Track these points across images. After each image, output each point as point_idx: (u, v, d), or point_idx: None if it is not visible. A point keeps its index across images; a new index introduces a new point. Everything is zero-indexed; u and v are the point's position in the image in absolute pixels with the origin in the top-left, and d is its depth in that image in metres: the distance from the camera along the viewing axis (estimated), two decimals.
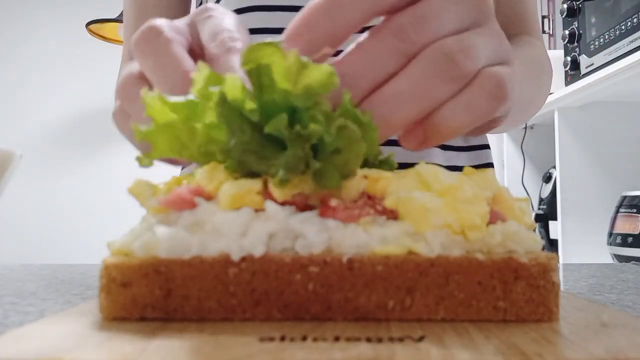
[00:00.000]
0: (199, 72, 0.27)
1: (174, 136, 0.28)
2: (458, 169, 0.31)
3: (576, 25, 1.72)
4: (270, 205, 0.25)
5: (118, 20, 2.46)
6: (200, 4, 0.69)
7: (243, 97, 0.26)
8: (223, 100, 0.25)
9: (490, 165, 0.69)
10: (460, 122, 0.27)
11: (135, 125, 0.28)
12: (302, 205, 0.26)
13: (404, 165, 0.29)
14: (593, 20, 1.64)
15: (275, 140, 0.26)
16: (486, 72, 0.28)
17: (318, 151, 0.25)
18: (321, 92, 0.25)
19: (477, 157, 0.68)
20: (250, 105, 0.26)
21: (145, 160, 0.28)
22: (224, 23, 0.33)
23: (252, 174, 0.26)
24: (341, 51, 0.28)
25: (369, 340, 0.21)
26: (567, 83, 1.80)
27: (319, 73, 0.25)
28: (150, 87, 0.32)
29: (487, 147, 0.69)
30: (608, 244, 1.53)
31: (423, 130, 0.28)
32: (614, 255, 1.51)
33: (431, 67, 0.27)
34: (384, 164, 0.30)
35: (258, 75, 0.25)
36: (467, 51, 0.27)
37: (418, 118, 0.27)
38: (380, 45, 0.27)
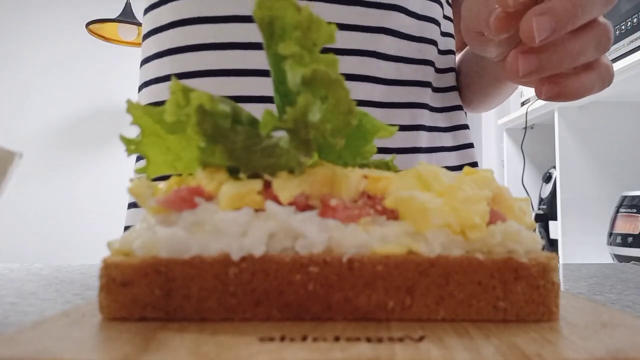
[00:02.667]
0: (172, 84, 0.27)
1: (165, 148, 0.29)
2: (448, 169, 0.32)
3: None
4: (270, 205, 0.25)
5: (118, 20, 2.46)
6: None
7: (216, 104, 0.26)
8: (203, 111, 0.26)
9: (475, 164, 0.69)
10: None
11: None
12: (302, 205, 0.26)
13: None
14: None
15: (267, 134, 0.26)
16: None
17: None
18: (323, 45, 0.27)
19: (464, 156, 0.68)
20: (222, 110, 0.26)
21: (145, 175, 0.29)
22: None
23: (255, 175, 0.26)
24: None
25: (369, 340, 0.21)
26: None
27: (325, 30, 0.27)
28: None
29: (471, 145, 0.70)
30: (608, 244, 1.53)
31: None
32: (614, 255, 1.51)
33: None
34: (383, 166, 0.30)
35: (270, 24, 0.26)
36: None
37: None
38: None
